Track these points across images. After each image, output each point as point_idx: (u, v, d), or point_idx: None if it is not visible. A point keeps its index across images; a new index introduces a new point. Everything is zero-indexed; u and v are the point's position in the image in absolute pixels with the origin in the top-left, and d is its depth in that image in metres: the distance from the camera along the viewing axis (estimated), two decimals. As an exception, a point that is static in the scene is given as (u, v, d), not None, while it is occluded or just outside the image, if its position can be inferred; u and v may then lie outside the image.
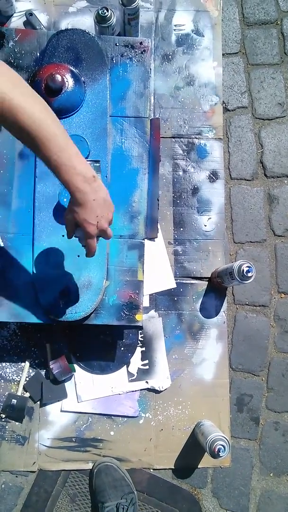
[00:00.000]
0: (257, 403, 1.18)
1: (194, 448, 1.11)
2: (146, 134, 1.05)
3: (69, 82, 0.99)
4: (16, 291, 0.98)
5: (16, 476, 1.10)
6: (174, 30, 1.24)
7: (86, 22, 1.22)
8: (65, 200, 0.97)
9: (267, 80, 1.28)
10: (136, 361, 1.13)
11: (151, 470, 1.12)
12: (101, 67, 1.03)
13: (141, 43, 1.06)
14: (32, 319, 0.98)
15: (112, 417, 1.11)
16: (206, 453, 1.00)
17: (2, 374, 1.11)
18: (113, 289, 1.00)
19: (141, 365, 1.13)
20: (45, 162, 0.70)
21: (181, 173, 1.20)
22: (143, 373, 1.12)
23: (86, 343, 1.12)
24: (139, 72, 1.05)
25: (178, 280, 1.16)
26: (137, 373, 1.12)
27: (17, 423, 1.10)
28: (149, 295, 1.15)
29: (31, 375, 1.11)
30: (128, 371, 1.12)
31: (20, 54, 1.03)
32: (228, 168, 1.25)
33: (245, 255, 1.22)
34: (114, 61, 1.05)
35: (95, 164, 0.89)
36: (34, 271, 0.98)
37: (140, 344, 1.13)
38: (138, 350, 1.13)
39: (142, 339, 1.14)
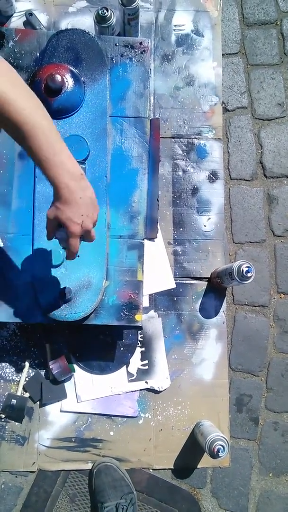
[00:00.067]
0: (256, 403, 1.18)
1: (193, 448, 1.11)
2: (146, 134, 1.05)
3: (69, 82, 0.99)
4: (15, 291, 0.98)
5: (16, 476, 1.10)
6: (174, 30, 1.24)
7: (86, 22, 1.21)
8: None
9: (267, 81, 1.28)
10: (135, 361, 1.13)
11: (151, 470, 1.12)
12: (101, 67, 1.03)
13: (141, 43, 1.06)
14: (32, 319, 0.98)
15: (112, 417, 1.11)
16: (205, 453, 1.00)
17: (2, 374, 1.11)
18: (112, 289, 1.00)
19: (141, 365, 1.13)
20: (33, 157, 0.69)
21: (180, 173, 1.20)
22: (143, 373, 1.12)
23: (86, 343, 1.12)
24: (139, 72, 1.05)
25: (178, 280, 1.16)
26: (136, 373, 1.12)
27: (16, 423, 1.10)
28: (149, 295, 1.15)
29: (31, 375, 1.11)
30: (127, 371, 1.12)
31: (20, 54, 1.03)
32: (228, 168, 1.25)
33: (245, 256, 1.22)
34: (114, 61, 1.05)
35: (81, 166, 0.89)
36: (34, 271, 0.98)
37: (139, 344, 1.13)
38: (138, 350, 1.13)
39: (142, 339, 1.14)
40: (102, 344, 1.12)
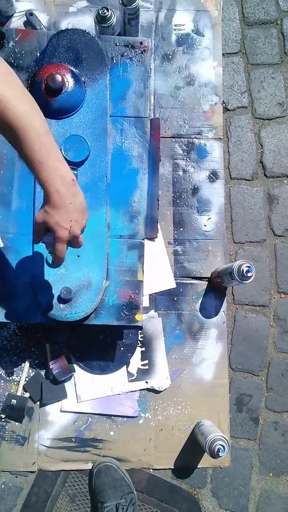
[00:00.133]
0: (256, 403, 1.18)
1: (193, 448, 1.11)
2: (146, 134, 1.05)
3: (69, 82, 0.99)
4: (16, 291, 0.98)
5: (16, 476, 1.10)
6: (174, 29, 1.24)
7: (86, 22, 1.21)
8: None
9: (267, 80, 1.28)
10: (135, 361, 1.13)
11: (151, 470, 1.12)
12: (101, 67, 1.03)
13: (141, 43, 1.05)
14: (32, 319, 0.98)
15: (112, 417, 1.11)
16: (205, 453, 1.00)
17: (2, 374, 1.11)
18: (113, 289, 1.00)
19: (141, 365, 1.13)
20: (26, 160, 0.69)
21: (181, 173, 1.20)
22: (143, 373, 1.12)
23: (86, 343, 1.12)
24: (139, 72, 1.05)
25: (178, 280, 1.16)
26: (136, 373, 1.12)
27: (16, 423, 1.10)
28: (149, 295, 1.15)
29: (31, 375, 1.11)
30: (127, 371, 1.12)
31: (20, 54, 1.03)
32: (228, 168, 1.25)
33: (245, 255, 1.22)
34: (114, 61, 1.05)
35: (73, 172, 0.89)
36: (34, 272, 0.98)
37: (139, 344, 1.13)
38: (138, 350, 1.13)
39: (142, 339, 1.14)
40: (102, 344, 1.12)
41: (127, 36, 1.17)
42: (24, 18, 1.19)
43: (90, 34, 1.03)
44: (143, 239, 1.03)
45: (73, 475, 1.10)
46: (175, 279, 1.16)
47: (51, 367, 1.07)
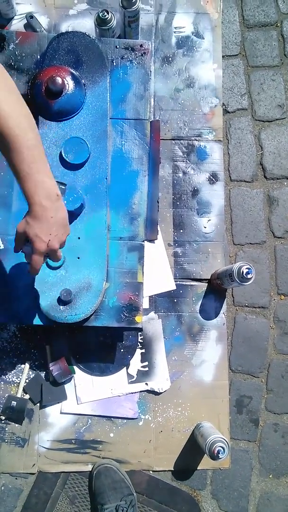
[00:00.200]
0: (256, 404, 1.18)
1: (193, 449, 1.11)
2: (146, 136, 1.05)
3: (70, 84, 1.00)
4: (16, 293, 0.98)
5: (16, 478, 1.10)
6: (174, 32, 1.25)
7: (87, 25, 1.22)
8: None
9: (267, 82, 1.29)
10: (135, 363, 1.13)
11: (151, 472, 1.12)
12: (102, 70, 1.03)
13: (141, 45, 1.06)
14: (32, 321, 0.98)
15: (112, 419, 1.11)
16: (205, 454, 1.00)
17: (2, 375, 1.11)
18: (113, 291, 1.00)
19: (141, 366, 1.13)
20: (14, 170, 0.70)
21: (181, 175, 1.20)
22: (143, 375, 1.12)
23: (86, 345, 1.12)
24: (139, 74, 1.06)
25: (178, 282, 1.17)
26: (136, 374, 1.12)
27: (16, 425, 1.10)
28: (149, 297, 1.15)
29: (31, 377, 1.11)
30: (127, 373, 1.12)
31: (20, 57, 1.03)
32: (228, 170, 1.25)
33: (245, 257, 1.22)
34: (114, 64, 1.05)
35: (61, 187, 0.88)
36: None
37: (139, 346, 1.13)
38: (138, 352, 1.13)
39: (142, 341, 1.14)
40: (102, 346, 1.12)
41: (127, 39, 1.17)
42: (25, 21, 1.20)
43: (90, 37, 1.03)
44: (143, 241, 1.04)
45: (73, 477, 1.10)
46: (175, 281, 1.16)
47: (51, 368, 1.07)
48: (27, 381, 1.11)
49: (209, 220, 1.19)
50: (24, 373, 1.11)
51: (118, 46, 1.05)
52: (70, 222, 0.93)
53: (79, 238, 0.99)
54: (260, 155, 1.27)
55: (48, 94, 0.99)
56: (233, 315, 1.20)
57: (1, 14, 1.18)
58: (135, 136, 1.05)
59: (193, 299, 1.17)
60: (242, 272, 1.00)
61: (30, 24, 1.19)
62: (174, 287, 1.16)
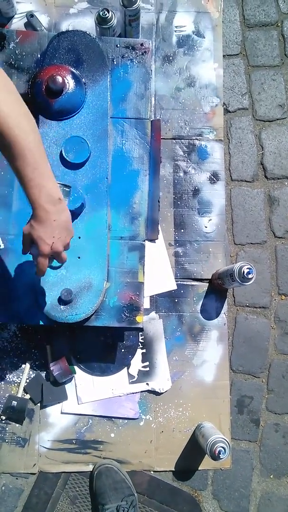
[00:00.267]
0: (257, 404, 1.18)
1: (194, 450, 1.11)
2: (147, 136, 1.05)
3: (70, 83, 0.99)
4: (16, 292, 0.98)
5: (16, 478, 1.10)
6: (175, 31, 1.24)
7: (87, 24, 1.21)
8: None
9: (268, 82, 1.28)
10: (136, 363, 1.12)
11: (152, 472, 1.12)
12: (102, 69, 1.03)
13: (142, 44, 1.06)
14: (33, 320, 0.98)
15: (113, 419, 1.11)
16: (206, 455, 1.00)
17: (3, 375, 1.11)
18: (113, 290, 1.00)
19: (142, 367, 1.12)
20: (17, 173, 0.71)
21: (181, 174, 1.20)
22: (144, 375, 1.12)
23: (87, 345, 1.12)
24: (139, 74, 1.05)
25: (179, 282, 1.16)
26: (137, 375, 1.12)
27: (17, 425, 1.10)
28: (150, 296, 1.15)
29: (32, 377, 1.11)
30: (128, 373, 1.12)
31: (21, 56, 1.03)
32: (229, 169, 1.25)
33: (246, 257, 1.22)
34: (115, 63, 1.05)
35: (64, 189, 0.89)
36: (35, 273, 0.98)
37: (140, 346, 1.13)
38: (139, 351, 1.13)
39: (143, 341, 1.13)
40: (103, 346, 1.12)
41: (128, 38, 1.17)
42: (25, 20, 1.19)
43: (90, 36, 1.03)
44: (144, 241, 1.03)
45: (74, 477, 1.10)
46: (176, 281, 1.16)
47: (51, 368, 1.07)
48: (27, 381, 1.10)
49: (210, 219, 1.19)
50: (24, 373, 1.10)
51: (118, 45, 1.05)
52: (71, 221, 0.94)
53: (79, 237, 0.99)
54: (260, 155, 1.27)
55: (48, 93, 0.98)
56: (234, 315, 1.20)
57: (2, 13, 1.18)
58: (135, 135, 1.05)
59: (194, 299, 1.16)
60: (243, 272, 0.99)
61: (31, 23, 1.19)
62: (175, 287, 1.16)
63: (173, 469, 1.12)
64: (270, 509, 1.15)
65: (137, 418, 1.11)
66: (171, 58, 1.23)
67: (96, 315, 0.99)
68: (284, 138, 1.27)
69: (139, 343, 1.13)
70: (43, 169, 0.72)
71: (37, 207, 0.73)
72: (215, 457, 0.97)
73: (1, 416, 1.09)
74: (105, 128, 1.02)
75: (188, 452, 1.12)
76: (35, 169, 0.70)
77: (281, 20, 1.31)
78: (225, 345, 1.16)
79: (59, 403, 1.10)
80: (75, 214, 0.99)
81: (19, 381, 1.10)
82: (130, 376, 1.12)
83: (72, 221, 0.98)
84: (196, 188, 1.20)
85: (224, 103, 1.26)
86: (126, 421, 1.11)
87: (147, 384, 1.12)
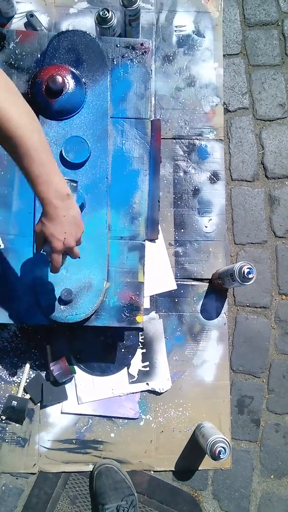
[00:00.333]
0: (257, 405, 1.17)
1: (194, 450, 1.11)
2: (147, 135, 1.05)
3: (70, 83, 0.99)
4: (16, 292, 0.98)
5: (16, 478, 1.10)
6: (175, 31, 1.24)
7: (87, 23, 1.21)
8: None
9: (268, 81, 1.28)
10: (136, 363, 1.12)
11: (152, 472, 1.12)
12: (102, 68, 1.03)
13: (142, 44, 1.05)
14: (33, 320, 0.98)
15: (113, 419, 1.11)
16: (206, 455, 1.00)
17: (3, 375, 1.11)
18: (113, 290, 1.00)
19: (142, 366, 1.12)
20: (24, 172, 0.72)
21: (182, 174, 1.20)
22: (144, 375, 1.12)
23: (87, 344, 1.12)
24: (140, 73, 1.05)
25: (179, 282, 1.16)
26: (137, 374, 1.12)
27: (17, 425, 1.10)
28: (150, 296, 1.15)
29: (32, 376, 1.11)
30: (128, 373, 1.12)
31: (21, 56, 1.03)
32: (229, 169, 1.25)
33: (246, 257, 1.22)
34: (115, 62, 1.05)
35: (72, 184, 0.89)
36: (35, 273, 0.98)
37: (140, 346, 1.13)
38: (139, 351, 1.13)
39: (143, 341, 1.13)
40: (103, 346, 1.12)
41: (128, 38, 1.16)
42: (25, 19, 1.19)
43: (90, 36, 1.03)
44: (144, 241, 1.03)
45: (74, 477, 1.10)
46: (176, 281, 1.16)
47: (51, 368, 1.07)
48: (27, 381, 1.10)
49: (210, 219, 1.19)
50: (24, 373, 1.10)
51: (118, 45, 1.05)
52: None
53: (79, 237, 0.99)
54: (261, 154, 1.26)
55: (48, 93, 0.98)
56: (234, 315, 1.20)
57: (2, 13, 1.18)
58: (135, 135, 1.05)
59: (194, 299, 1.16)
60: (243, 272, 0.99)
61: (31, 22, 1.19)
62: (175, 287, 1.16)
63: (173, 469, 1.12)
64: (271, 510, 1.15)
65: (137, 418, 1.11)
66: (171, 57, 1.23)
67: (96, 315, 0.99)
68: (285, 138, 1.27)
69: (139, 343, 1.13)
70: (49, 166, 0.72)
71: (47, 203, 0.74)
72: (215, 457, 0.97)
73: (1, 416, 1.09)
74: (105, 128, 1.02)
75: (188, 452, 1.12)
76: (42, 166, 0.71)
77: (282, 19, 1.31)
78: (225, 345, 1.16)
79: (59, 403, 1.10)
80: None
81: (19, 381, 1.10)
82: (130, 376, 1.12)
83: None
84: (196, 188, 1.20)
85: (224, 102, 1.26)
86: (126, 421, 1.11)
87: (147, 384, 1.12)
